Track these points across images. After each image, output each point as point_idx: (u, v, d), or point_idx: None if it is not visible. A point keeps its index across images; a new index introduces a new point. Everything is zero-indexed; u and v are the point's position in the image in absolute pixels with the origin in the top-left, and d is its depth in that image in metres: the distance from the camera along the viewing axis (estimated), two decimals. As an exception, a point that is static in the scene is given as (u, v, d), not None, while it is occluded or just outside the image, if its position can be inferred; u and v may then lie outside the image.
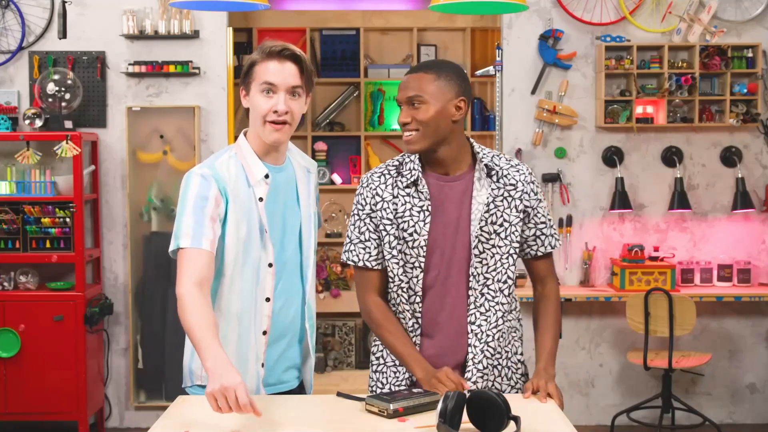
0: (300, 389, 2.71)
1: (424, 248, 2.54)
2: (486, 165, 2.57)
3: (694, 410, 5.29)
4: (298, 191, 2.65)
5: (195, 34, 5.44)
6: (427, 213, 2.54)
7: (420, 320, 2.59)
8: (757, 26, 5.55)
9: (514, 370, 2.67)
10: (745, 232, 5.63)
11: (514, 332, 2.69)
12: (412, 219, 2.55)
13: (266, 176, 2.56)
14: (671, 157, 5.58)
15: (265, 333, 2.59)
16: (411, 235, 2.55)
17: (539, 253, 2.71)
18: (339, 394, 2.48)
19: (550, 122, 5.56)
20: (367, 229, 2.61)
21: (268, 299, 2.58)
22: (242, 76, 2.59)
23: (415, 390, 2.41)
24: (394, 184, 2.59)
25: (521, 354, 2.72)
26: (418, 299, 2.57)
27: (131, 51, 5.48)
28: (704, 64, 5.42)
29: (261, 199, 2.55)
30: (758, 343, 5.66)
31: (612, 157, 5.57)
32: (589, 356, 5.65)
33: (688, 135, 5.60)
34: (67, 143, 5.09)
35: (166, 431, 2.21)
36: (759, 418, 5.67)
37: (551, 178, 5.56)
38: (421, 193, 2.55)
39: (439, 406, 2.11)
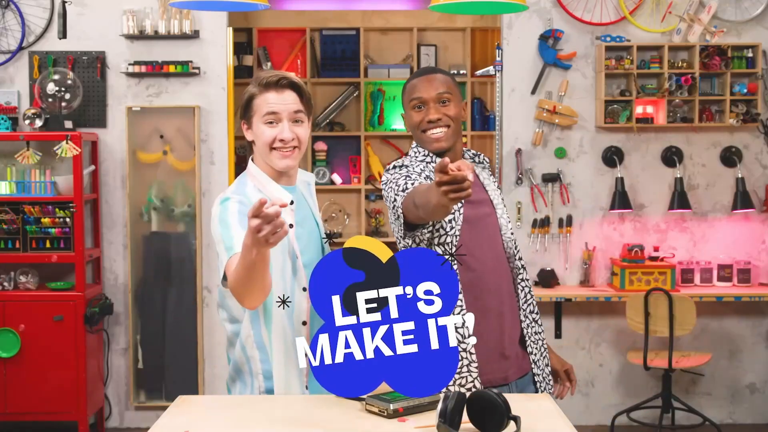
0: None
1: (458, 236, 2.61)
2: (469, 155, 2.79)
3: (694, 410, 5.29)
4: (311, 207, 2.66)
5: (195, 34, 5.44)
6: (459, 204, 2.61)
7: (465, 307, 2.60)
8: (757, 26, 5.55)
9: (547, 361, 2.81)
10: (745, 232, 5.63)
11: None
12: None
13: (291, 202, 2.54)
14: (671, 157, 5.58)
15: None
16: (448, 221, 2.62)
17: None
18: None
19: (550, 122, 5.56)
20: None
21: (304, 323, 2.53)
22: (241, 110, 2.60)
23: None
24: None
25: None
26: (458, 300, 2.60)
27: (131, 51, 5.48)
28: (704, 64, 5.42)
29: (291, 226, 2.49)
30: (758, 343, 5.66)
31: (612, 157, 5.57)
32: (589, 356, 5.65)
33: (688, 135, 5.60)
34: (67, 143, 5.09)
35: (166, 431, 2.22)
36: (759, 418, 5.67)
37: (551, 178, 5.56)
38: None
39: (439, 406, 2.11)
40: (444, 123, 2.62)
